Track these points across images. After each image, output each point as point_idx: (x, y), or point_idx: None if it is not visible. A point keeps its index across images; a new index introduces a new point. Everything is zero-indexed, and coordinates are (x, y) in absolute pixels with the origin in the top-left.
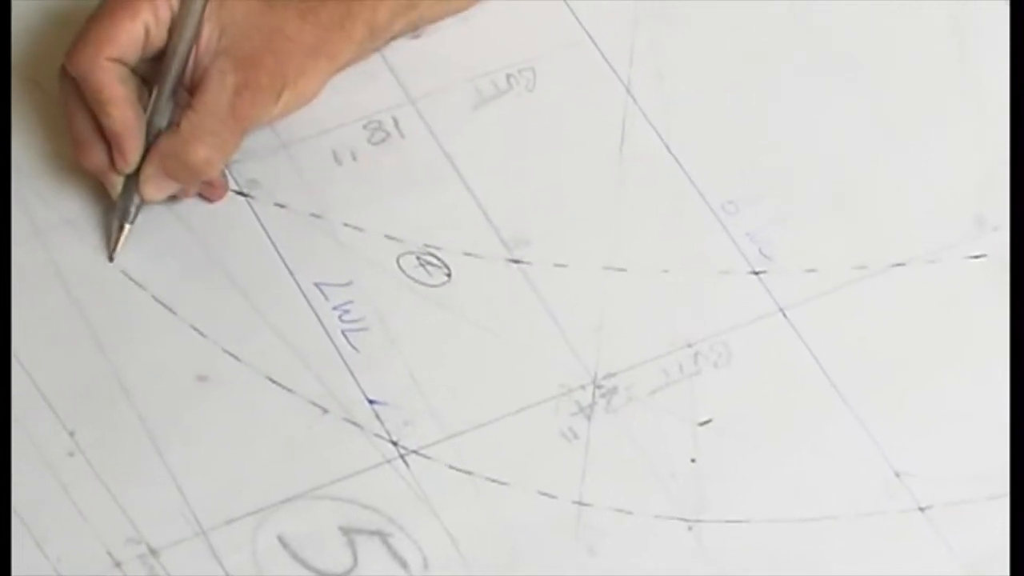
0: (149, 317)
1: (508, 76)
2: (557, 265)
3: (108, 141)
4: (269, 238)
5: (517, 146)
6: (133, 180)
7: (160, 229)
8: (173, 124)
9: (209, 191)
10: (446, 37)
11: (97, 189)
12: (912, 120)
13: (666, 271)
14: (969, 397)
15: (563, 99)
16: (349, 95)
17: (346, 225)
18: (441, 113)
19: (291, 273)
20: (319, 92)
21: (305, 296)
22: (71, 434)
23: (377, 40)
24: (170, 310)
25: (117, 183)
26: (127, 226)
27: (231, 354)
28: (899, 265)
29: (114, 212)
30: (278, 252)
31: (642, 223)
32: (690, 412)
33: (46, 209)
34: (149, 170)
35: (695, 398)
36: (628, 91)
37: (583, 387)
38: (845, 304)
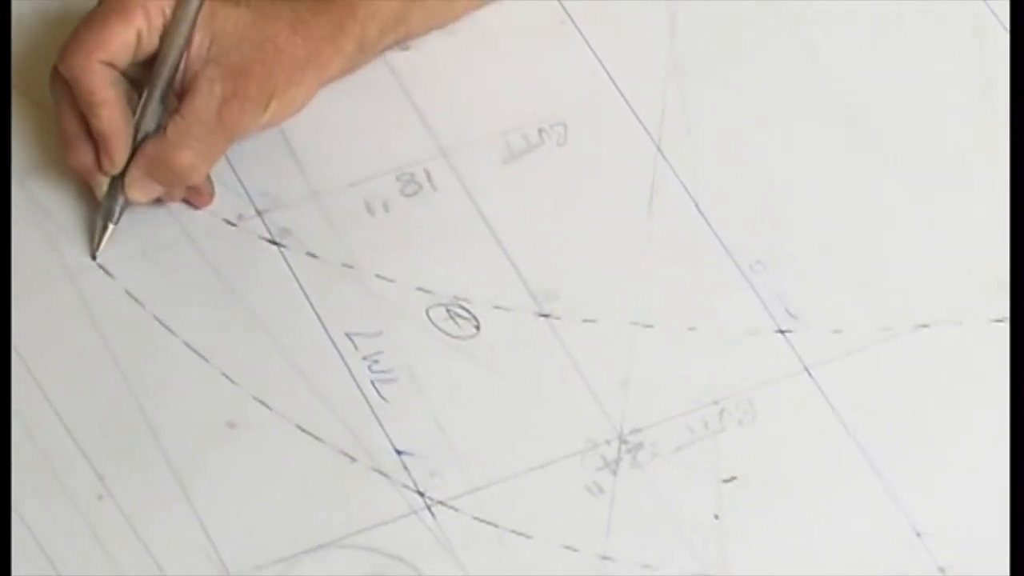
0: (180, 363)
1: (540, 130)
2: (585, 320)
3: (96, 142)
4: (300, 287)
5: (547, 200)
6: (119, 181)
7: (193, 276)
8: (160, 128)
9: (195, 197)
10: (478, 89)
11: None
12: (937, 183)
13: (693, 328)
14: (991, 459)
15: (594, 154)
16: (382, 146)
17: (377, 276)
18: (473, 166)
19: (322, 322)
20: (307, 102)
21: (335, 345)
22: (100, 478)
23: (366, 53)
24: (201, 356)
25: (103, 183)
26: (111, 226)
27: (261, 401)
28: (923, 327)
29: (99, 212)
30: (309, 301)
31: (670, 280)
32: (714, 469)
33: (78, 252)
34: (135, 172)
35: (720, 455)
36: (658, 147)
37: (609, 442)
38: (870, 364)
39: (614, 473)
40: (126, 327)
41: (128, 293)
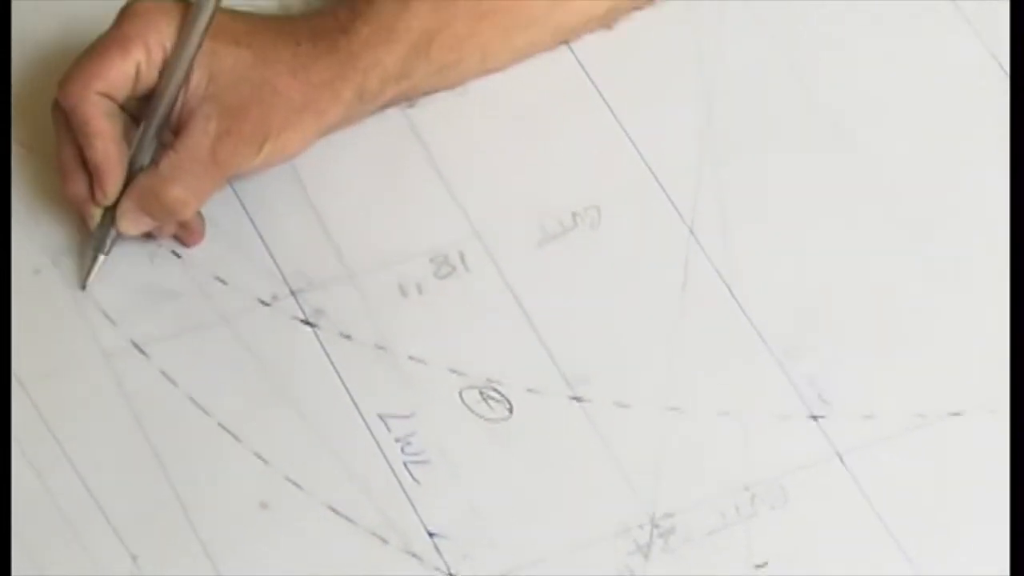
0: (214, 443)
1: (573, 214)
2: (618, 404)
3: (90, 173)
4: (334, 368)
5: (581, 283)
6: (111, 213)
7: (226, 356)
8: (153, 162)
9: (185, 235)
10: (512, 171)
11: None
12: (973, 270)
13: (725, 413)
14: None
15: (627, 238)
16: (415, 227)
17: (410, 358)
18: (506, 249)
19: (355, 403)
20: (305, 148)
21: (368, 427)
22: (134, 558)
23: (367, 104)
24: (235, 437)
25: (96, 214)
26: (101, 256)
27: (293, 482)
28: (956, 415)
29: (90, 242)
30: (342, 382)
31: (702, 364)
32: (746, 554)
33: (113, 332)
34: (126, 204)
35: (751, 540)
36: (691, 232)
37: (641, 526)
38: (902, 451)
39: (646, 557)
40: (160, 407)
41: (162, 373)
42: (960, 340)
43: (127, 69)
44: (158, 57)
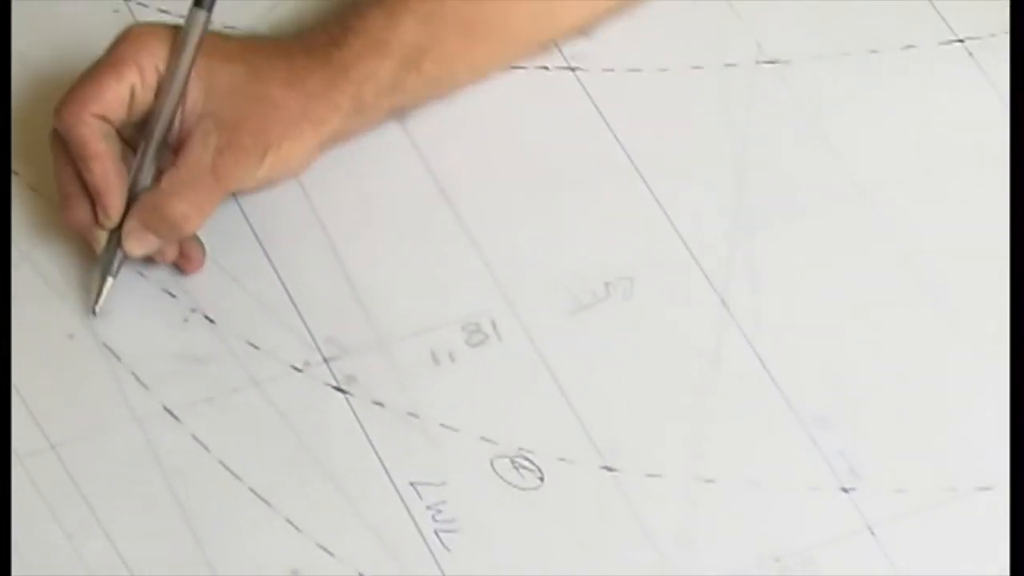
0: (245, 509)
1: (606, 284)
2: (649, 474)
3: (92, 197)
4: (366, 435)
5: (613, 353)
6: (116, 235)
7: (258, 421)
8: (155, 181)
9: (184, 263)
10: (546, 241)
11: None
12: (1003, 344)
13: (756, 484)
14: None
15: (660, 309)
16: (448, 295)
17: (442, 425)
18: (539, 318)
19: (386, 471)
20: (306, 161)
21: (399, 494)
22: None
23: (365, 116)
24: (266, 502)
25: (101, 238)
26: (110, 279)
27: (325, 549)
28: (986, 489)
29: (97, 267)
30: (374, 449)
31: (734, 435)
32: None
33: (145, 396)
34: (131, 224)
35: None
36: (723, 303)
37: None
38: (933, 525)
39: None
40: (191, 472)
41: (194, 438)
42: (992, 414)
43: (122, 91)
44: (152, 79)
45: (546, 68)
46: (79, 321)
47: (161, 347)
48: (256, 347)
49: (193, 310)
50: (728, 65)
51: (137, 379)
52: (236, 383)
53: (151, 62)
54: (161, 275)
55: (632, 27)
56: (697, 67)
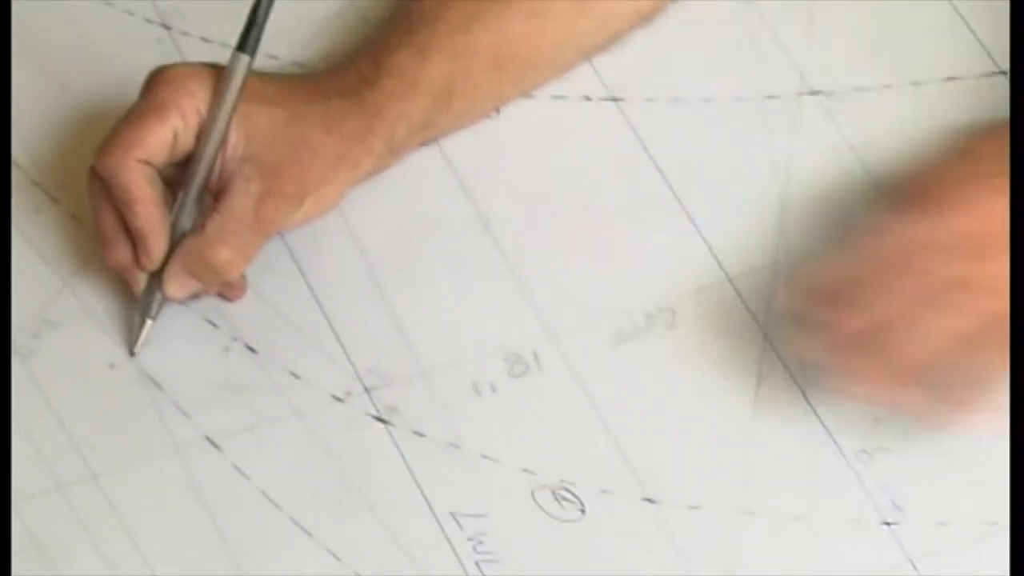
0: (285, 538)
1: (648, 315)
2: (690, 507)
3: (133, 239)
4: (406, 465)
5: (655, 385)
6: (156, 278)
7: (299, 451)
8: (198, 226)
9: (229, 291)
10: (588, 272)
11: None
12: None
13: (798, 517)
14: None
15: (702, 340)
16: (489, 326)
17: (483, 456)
18: (581, 349)
19: (427, 501)
20: (339, 201)
21: (440, 525)
22: None
23: (394, 155)
24: (306, 532)
25: (140, 280)
26: (149, 321)
27: None
28: None
29: (136, 308)
30: (415, 480)
31: (775, 468)
32: None
33: (187, 425)
34: (173, 269)
35: None
36: (765, 335)
37: None
38: (975, 559)
39: None
40: (232, 501)
41: (235, 467)
42: None
43: (165, 135)
44: (194, 122)
45: (588, 98)
46: (120, 350)
47: (202, 376)
48: (297, 377)
49: (234, 339)
50: (771, 97)
51: (178, 408)
52: (277, 413)
53: (193, 105)
54: (202, 304)
55: (675, 57)
56: (740, 98)
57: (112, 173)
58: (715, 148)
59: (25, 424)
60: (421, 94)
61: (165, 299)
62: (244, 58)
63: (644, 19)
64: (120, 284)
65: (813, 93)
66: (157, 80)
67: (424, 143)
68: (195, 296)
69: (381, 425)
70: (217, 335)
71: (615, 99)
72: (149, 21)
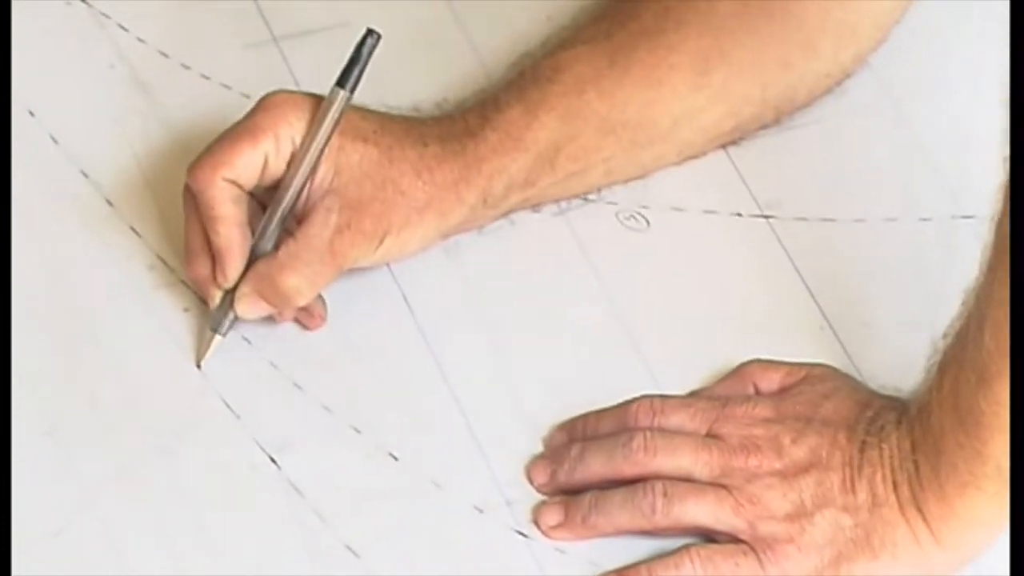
0: None
1: None
2: None
3: (213, 256)
4: None
5: None
6: (231, 296)
7: (438, 560)
8: (273, 249)
9: (306, 319)
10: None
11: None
12: None
13: None
14: None
15: None
16: None
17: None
18: None
19: None
20: (426, 246)
21: None
22: None
23: (491, 209)
24: None
25: (216, 296)
26: (218, 336)
27: None
28: None
29: (208, 321)
30: None
31: None
32: None
33: (326, 532)
34: (244, 289)
35: None
36: None
37: None
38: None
39: None
40: None
41: None
42: None
43: (255, 159)
44: (287, 149)
45: (739, 215)
46: (264, 454)
47: (343, 483)
48: (439, 486)
49: (377, 447)
50: (923, 220)
51: (318, 515)
52: (417, 522)
53: (288, 133)
54: (347, 412)
55: (828, 178)
56: (891, 219)
57: (199, 189)
58: (866, 270)
59: (161, 517)
60: (525, 151)
61: (236, 318)
62: (342, 93)
63: (774, 110)
64: (260, 389)
65: (966, 216)
66: (259, 104)
67: (528, 203)
68: (275, 316)
69: (521, 539)
70: (360, 441)
71: (767, 216)
72: None
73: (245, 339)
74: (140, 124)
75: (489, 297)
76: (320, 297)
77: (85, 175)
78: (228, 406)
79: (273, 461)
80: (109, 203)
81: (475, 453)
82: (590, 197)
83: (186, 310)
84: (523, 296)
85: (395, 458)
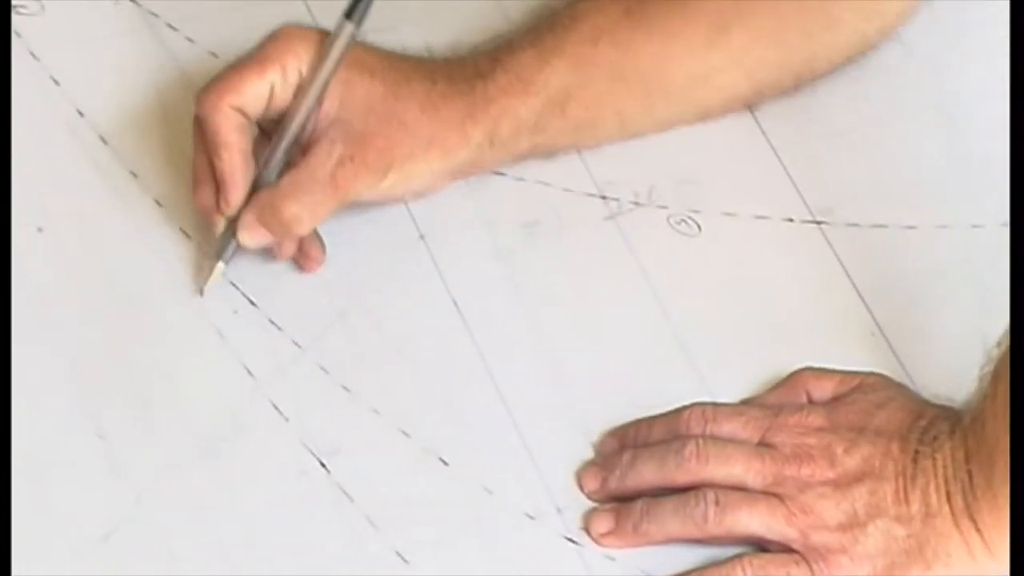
0: None
1: None
2: None
3: (217, 183)
4: None
5: None
6: (234, 224)
7: (488, 567)
8: (277, 179)
9: (303, 260)
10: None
11: None
12: None
13: None
14: None
15: None
16: None
17: None
18: None
19: None
20: (434, 184)
21: None
22: None
23: (499, 152)
24: None
25: (219, 224)
26: (221, 264)
27: None
28: None
29: (211, 249)
30: None
31: None
32: None
33: (377, 538)
34: (246, 217)
35: None
36: None
37: None
38: None
39: None
40: None
41: None
42: None
43: (262, 88)
44: (293, 80)
45: (791, 220)
46: (312, 456)
47: (393, 488)
48: (489, 492)
49: (426, 451)
50: (975, 226)
51: (369, 521)
52: (467, 528)
53: (295, 64)
54: (396, 416)
55: (880, 184)
56: (943, 226)
57: (205, 115)
58: (918, 276)
59: (210, 521)
60: (534, 95)
61: (238, 246)
62: (348, 25)
63: (794, 77)
64: (309, 393)
65: None
66: (269, 36)
67: (539, 150)
68: (274, 249)
69: (572, 546)
70: (409, 446)
71: (818, 222)
72: None
73: (295, 343)
74: (190, 125)
75: (540, 301)
76: (319, 238)
77: (135, 175)
78: (277, 409)
79: (323, 465)
80: (159, 203)
81: (525, 459)
82: (641, 201)
83: (236, 312)
84: (574, 300)
85: (445, 463)
